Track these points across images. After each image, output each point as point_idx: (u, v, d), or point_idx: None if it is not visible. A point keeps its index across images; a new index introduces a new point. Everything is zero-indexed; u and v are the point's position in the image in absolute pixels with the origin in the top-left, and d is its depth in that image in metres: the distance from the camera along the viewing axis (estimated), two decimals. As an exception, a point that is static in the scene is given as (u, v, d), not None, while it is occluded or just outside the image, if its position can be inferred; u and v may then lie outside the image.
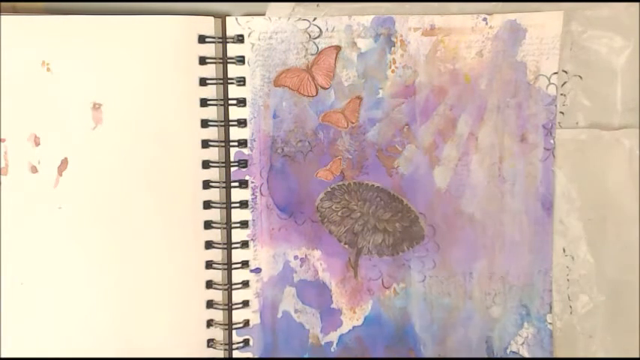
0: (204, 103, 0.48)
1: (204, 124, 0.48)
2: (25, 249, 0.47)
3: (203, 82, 0.48)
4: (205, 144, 0.48)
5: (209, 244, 0.49)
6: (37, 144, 0.46)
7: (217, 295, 0.50)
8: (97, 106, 0.47)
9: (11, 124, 0.46)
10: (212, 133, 0.49)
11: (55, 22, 0.46)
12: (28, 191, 0.47)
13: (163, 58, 0.47)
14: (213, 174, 0.49)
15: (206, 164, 0.49)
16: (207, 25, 0.48)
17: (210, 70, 0.48)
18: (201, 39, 0.47)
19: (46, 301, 0.47)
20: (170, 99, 0.47)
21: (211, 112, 0.48)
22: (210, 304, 0.50)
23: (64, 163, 0.47)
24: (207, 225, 0.49)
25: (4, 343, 0.46)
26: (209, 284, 0.49)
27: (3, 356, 0.46)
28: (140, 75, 0.47)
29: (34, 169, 0.47)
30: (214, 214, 0.49)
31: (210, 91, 0.48)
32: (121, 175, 0.47)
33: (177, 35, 0.47)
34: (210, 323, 0.50)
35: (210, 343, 0.50)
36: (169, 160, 0.48)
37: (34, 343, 0.47)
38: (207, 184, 0.49)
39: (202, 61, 0.48)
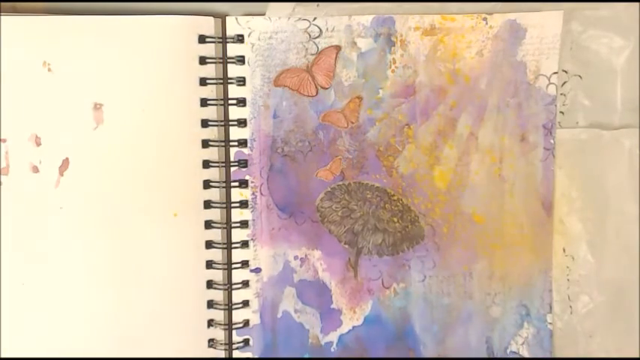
0: (204, 102, 0.48)
1: (205, 123, 0.48)
2: (26, 249, 0.47)
3: (203, 81, 0.48)
4: (205, 144, 0.48)
5: (209, 244, 0.49)
6: (39, 144, 0.46)
7: (218, 295, 0.50)
8: (98, 107, 0.47)
9: (12, 124, 0.46)
10: (212, 132, 0.49)
11: (56, 22, 0.46)
12: (29, 191, 0.47)
13: (164, 58, 0.47)
14: (214, 174, 0.49)
15: (206, 164, 0.48)
16: (207, 25, 0.48)
17: (210, 70, 0.48)
18: (202, 39, 0.47)
19: (47, 301, 0.47)
20: (171, 99, 0.47)
21: (211, 112, 0.48)
22: (210, 304, 0.50)
23: (65, 163, 0.47)
24: (208, 225, 0.49)
25: (4, 343, 0.46)
26: (209, 284, 0.49)
27: (3, 356, 0.46)
28: (141, 75, 0.47)
29: (35, 169, 0.47)
30: (215, 214, 0.49)
31: (211, 91, 0.48)
32: (121, 175, 0.47)
33: (178, 35, 0.47)
34: (210, 323, 0.50)
35: (211, 343, 0.50)
36: (170, 160, 0.48)
37: (34, 343, 0.47)
38: (207, 184, 0.49)
39: (202, 60, 0.48)
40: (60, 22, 0.46)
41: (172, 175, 0.48)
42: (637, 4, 0.46)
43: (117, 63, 0.47)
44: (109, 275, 0.48)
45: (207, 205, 0.49)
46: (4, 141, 0.46)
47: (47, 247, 0.47)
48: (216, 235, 0.49)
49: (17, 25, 0.46)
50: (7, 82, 0.46)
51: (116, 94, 0.47)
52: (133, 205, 0.48)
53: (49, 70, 0.46)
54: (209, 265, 0.49)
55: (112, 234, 0.47)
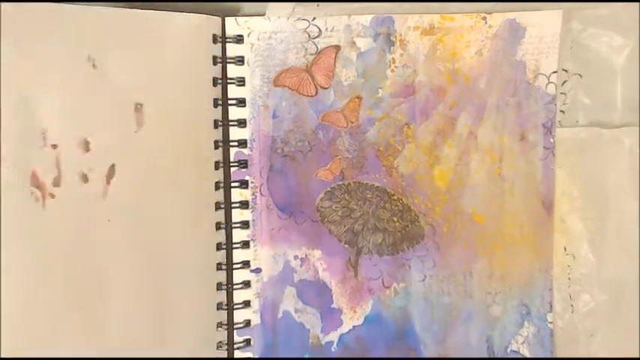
0: (216, 103, 0.48)
1: (217, 124, 0.48)
2: (76, 259, 0.42)
3: (215, 81, 0.48)
4: (217, 144, 0.48)
5: (219, 246, 0.49)
6: (87, 150, 0.42)
7: (224, 297, 0.50)
8: (138, 107, 0.44)
9: (62, 127, 0.41)
10: (220, 133, 0.49)
11: (99, 13, 0.42)
12: (79, 205, 0.42)
13: (187, 57, 0.46)
14: (222, 175, 0.49)
15: (217, 165, 0.48)
16: (219, 25, 0.48)
17: (220, 71, 0.48)
18: (215, 39, 0.47)
19: (90, 306, 0.43)
20: (193, 99, 0.47)
21: (220, 113, 0.49)
22: (220, 306, 0.49)
23: (112, 170, 0.43)
24: (218, 226, 0.49)
25: (5, 344, 0.45)
26: (219, 286, 0.49)
27: (3, 356, 0.46)
28: (170, 74, 0.45)
29: (84, 179, 0.42)
30: (222, 215, 0.49)
31: (220, 92, 0.48)
32: (157, 180, 0.45)
33: (198, 34, 0.47)
34: (219, 325, 0.49)
35: (220, 344, 0.50)
36: (192, 161, 0.47)
37: (72, 343, 0.43)
38: (218, 185, 0.49)
39: (215, 60, 0.48)
40: (104, 13, 0.42)
41: (192, 177, 0.47)
42: (636, 3, 0.46)
43: (151, 60, 0.44)
44: (145, 282, 0.45)
45: (218, 206, 0.49)
46: (56, 147, 0.40)
47: (95, 255, 0.43)
48: (222, 236, 0.49)
49: (60, 15, 0.41)
50: (53, 78, 0.41)
51: (152, 94, 0.44)
52: (165, 210, 0.46)
53: (94, 66, 0.42)
54: (219, 266, 0.49)
55: (151, 240, 0.45)
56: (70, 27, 0.41)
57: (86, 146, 0.42)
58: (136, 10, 0.43)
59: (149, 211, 0.45)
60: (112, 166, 0.43)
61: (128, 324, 0.45)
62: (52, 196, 0.40)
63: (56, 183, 0.41)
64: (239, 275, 0.50)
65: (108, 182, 0.43)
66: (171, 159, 0.46)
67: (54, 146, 0.40)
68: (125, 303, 0.44)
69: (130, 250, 0.44)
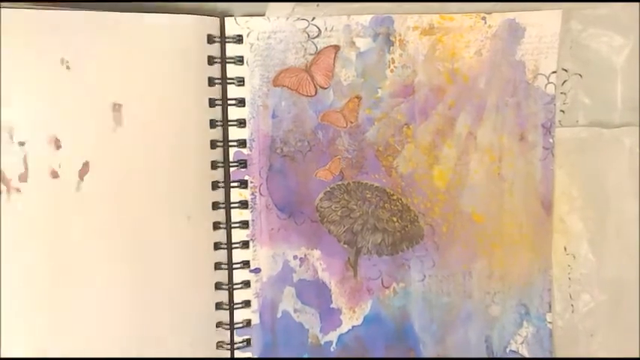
0: (212, 103, 0.48)
1: (213, 124, 0.48)
2: (47, 255, 0.44)
3: (211, 82, 0.48)
4: (214, 144, 0.48)
5: (217, 245, 0.49)
6: (58, 147, 0.44)
7: (225, 296, 0.50)
8: (117, 107, 0.45)
9: (31, 125, 0.43)
10: (218, 133, 0.49)
11: (73, 17, 0.44)
12: (48, 199, 0.44)
13: (177, 58, 0.46)
14: (220, 174, 0.49)
15: (214, 165, 0.48)
16: (214, 25, 0.48)
17: (216, 70, 0.48)
18: (210, 39, 0.47)
19: (63, 302, 0.45)
20: (183, 99, 0.47)
21: (217, 113, 0.48)
22: (219, 306, 0.49)
23: (86, 166, 0.44)
24: (216, 226, 0.49)
25: (5, 343, 0.45)
26: (218, 285, 0.49)
27: (3, 356, 0.46)
28: (156, 74, 0.46)
29: (54, 174, 0.43)
30: (221, 215, 0.49)
31: (217, 92, 0.48)
32: (138, 178, 0.46)
33: (190, 35, 0.47)
34: (218, 324, 0.49)
35: (219, 344, 0.50)
36: (183, 161, 0.47)
37: (48, 344, 0.45)
38: (215, 185, 0.49)
39: (210, 60, 0.48)
40: (77, 17, 0.44)
41: (186, 177, 0.47)
42: (636, 3, 0.46)
43: (132, 62, 0.45)
44: (128, 278, 0.46)
45: (215, 206, 0.49)
46: (23, 144, 0.43)
47: (68, 251, 0.44)
48: (222, 236, 0.49)
49: (33, 18, 0.43)
50: (24, 80, 0.43)
51: (133, 94, 0.45)
52: (150, 208, 0.46)
53: (68, 67, 0.43)
54: (217, 266, 0.49)
55: (131, 238, 0.46)
56: (44, 31, 0.43)
57: (57, 144, 0.44)
58: (113, 12, 0.44)
59: (132, 206, 0.46)
60: (86, 163, 0.44)
61: (106, 322, 0.46)
62: (18, 190, 0.43)
63: (23, 178, 0.43)
64: (239, 275, 0.50)
65: (81, 178, 0.44)
66: (157, 157, 0.46)
67: (21, 143, 0.43)
68: (104, 299, 0.46)
69: (110, 246, 0.46)
